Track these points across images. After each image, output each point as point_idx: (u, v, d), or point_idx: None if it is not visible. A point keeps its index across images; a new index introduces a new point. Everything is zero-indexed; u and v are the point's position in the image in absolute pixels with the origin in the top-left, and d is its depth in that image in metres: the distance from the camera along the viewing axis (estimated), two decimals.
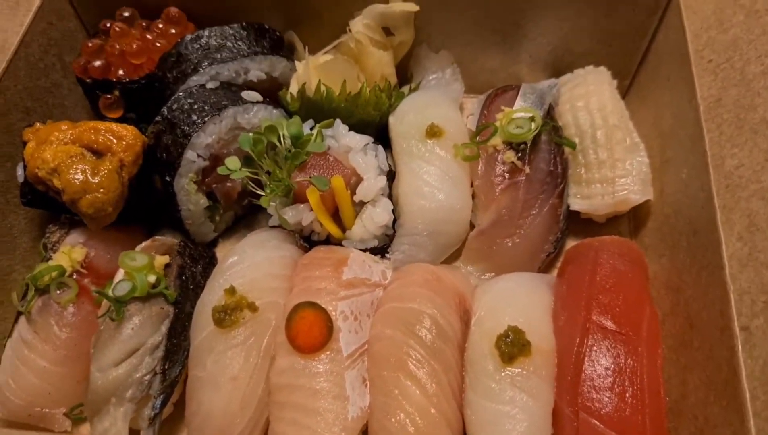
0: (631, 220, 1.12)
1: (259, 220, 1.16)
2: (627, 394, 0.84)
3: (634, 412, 0.84)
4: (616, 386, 0.85)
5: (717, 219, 0.83)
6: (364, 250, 1.02)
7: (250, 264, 0.96)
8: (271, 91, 1.12)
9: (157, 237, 1.05)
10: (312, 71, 1.06)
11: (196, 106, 1.00)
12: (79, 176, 0.95)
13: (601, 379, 0.85)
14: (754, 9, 0.91)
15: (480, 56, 1.22)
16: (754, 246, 0.78)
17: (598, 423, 0.83)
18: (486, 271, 1.07)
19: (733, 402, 0.74)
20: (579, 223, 1.11)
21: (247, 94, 1.05)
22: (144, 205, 1.05)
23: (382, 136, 1.13)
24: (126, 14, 1.15)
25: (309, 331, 0.87)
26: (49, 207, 1.03)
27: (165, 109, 1.02)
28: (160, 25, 1.14)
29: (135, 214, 1.04)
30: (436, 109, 1.09)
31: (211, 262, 1.05)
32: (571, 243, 1.10)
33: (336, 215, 1.02)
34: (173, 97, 1.03)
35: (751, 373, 0.72)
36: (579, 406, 0.85)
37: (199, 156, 1.00)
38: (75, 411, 0.95)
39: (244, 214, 1.16)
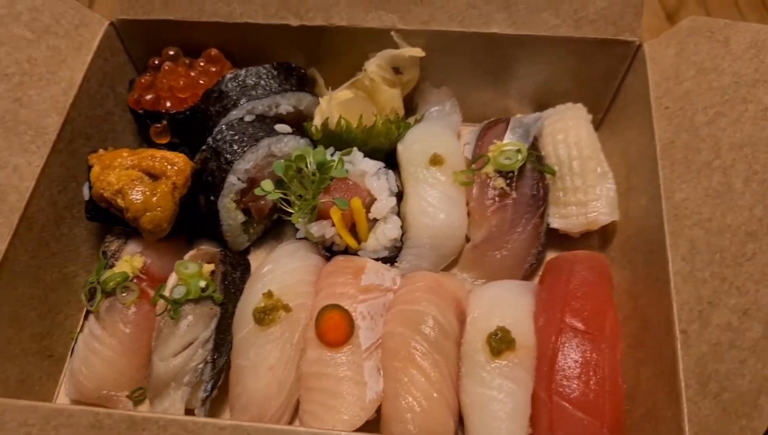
0: (600, 237, 1.25)
1: (285, 231, 1.32)
2: (591, 382, 0.99)
3: (596, 397, 0.98)
4: (582, 376, 1.00)
5: (666, 242, 0.98)
6: (377, 260, 1.17)
7: (283, 272, 1.12)
8: (297, 122, 1.26)
9: (200, 247, 1.22)
10: (334, 107, 1.23)
11: (236, 138, 1.16)
12: (140, 197, 1.11)
13: (571, 370, 1.00)
14: (703, 67, 1.06)
15: (475, 92, 1.35)
16: (694, 265, 0.93)
17: (567, 405, 0.98)
18: (478, 278, 1.21)
19: (673, 390, 0.89)
20: (557, 239, 1.24)
21: (280, 127, 1.20)
22: (189, 220, 1.21)
23: (390, 160, 1.27)
24: (171, 52, 1.30)
25: (335, 328, 1.03)
26: (110, 221, 1.19)
27: (210, 140, 1.17)
28: (202, 64, 1.28)
29: (180, 227, 1.20)
30: (438, 140, 1.24)
31: (246, 269, 1.22)
32: (550, 255, 1.23)
33: (352, 229, 1.17)
34: (217, 129, 1.18)
35: (687, 367, 0.87)
36: (553, 391, 0.99)
37: (239, 179, 1.16)
38: (135, 394, 1.11)
39: (272, 227, 1.31)
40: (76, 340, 1.15)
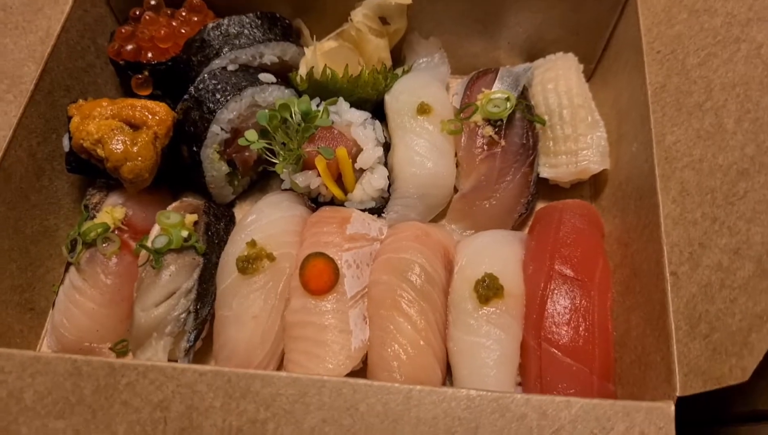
0: (591, 186, 1.24)
1: (271, 184, 1.30)
2: (581, 329, 0.98)
3: (586, 343, 0.98)
4: (572, 322, 0.99)
5: (656, 186, 0.96)
6: (364, 211, 1.15)
7: (267, 221, 1.11)
8: (282, 73, 1.23)
9: (184, 198, 1.20)
10: (319, 56, 1.20)
11: (219, 87, 1.14)
12: (120, 147, 1.09)
13: (560, 317, 0.99)
14: (695, 9, 1.04)
15: (464, 42, 1.33)
16: (684, 208, 0.91)
17: (556, 351, 0.97)
18: (467, 228, 1.20)
19: (662, 333, 0.87)
20: (547, 188, 1.23)
21: (264, 76, 1.18)
22: (171, 171, 1.19)
23: (378, 112, 1.25)
24: (153, 2, 1.26)
25: (319, 276, 1.01)
26: (91, 173, 1.17)
27: (192, 89, 1.15)
28: (184, 13, 1.25)
29: (163, 179, 1.18)
30: (426, 90, 1.22)
31: (231, 221, 1.20)
32: (540, 205, 1.22)
33: (339, 180, 1.15)
34: (199, 78, 1.16)
35: (677, 308, 0.85)
36: (542, 338, 0.98)
37: (222, 129, 1.14)
38: (118, 346, 1.09)
39: (258, 179, 1.29)
40: (58, 292, 1.13)
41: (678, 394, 0.81)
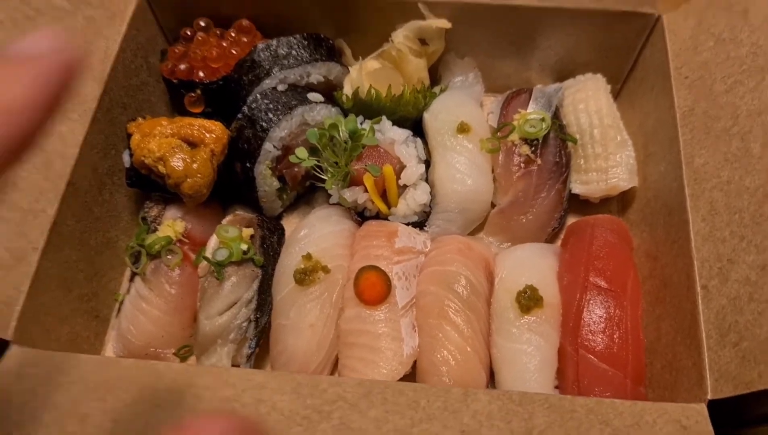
0: (619, 202, 1.32)
1: (316, 198, 1.37)
2: (615, 336, 1.06)
3: (620, 350, 1.05)
4: (606, 330, 1.06)
5: (687, 204, 1.03)
6: (407, 224, 1.22)
7: (319, 235, 1.18)
8: (327, 91, 1.30)
9: (237, 212, 1.27)
10: (364, 76, 1.28)
11: (271, 106, 1.21)
12: (181, 164, 1.16)
13: (596, 325, 1.07)
14: (722, 38, 1.11)
15: (498, 63, 1.40)
16: (714, 226, 0.99)
17: (593, 358, 1.04)
18: (504, 241, 1.28)
19: (693, 341, 0.95)
20: (578, 204, 1.31)
21: (312, 96, 1.25)
22: (222, 185, 1.26)
23: (417, 129, 1.32)
24: (203, 24, 1.34)
25: (372, 288, 1.09)
26: (150, 188, 1.24)
27: (245, 108, 1.22)
28: (233, 34, 1.32)
29: (214, 193, 1.25)
30: (463, 109, 1.29)
31: (282, 234, 1.27)
32: (571, 219, 1.30)
33: (383, 195, 1.23)
34: (251, 98, 1.23)
35: (707, 319, 0.93)
36: (579, 345, 1.06)
37: (274, 147, 1.21)
38: (181, 351, 1.17)
39: (304, 193, 1.37)
40: (122, 301, 1.20)
41: (709, 397, 0.89)
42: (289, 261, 1.15)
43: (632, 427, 0.86)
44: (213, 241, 1.17)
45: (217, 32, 1.35)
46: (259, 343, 1.14)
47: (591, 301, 1.09)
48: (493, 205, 1.29)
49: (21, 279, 1.01)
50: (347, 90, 1.30)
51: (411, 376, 1.10)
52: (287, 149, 1.24)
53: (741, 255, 0.95)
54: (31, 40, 0.46)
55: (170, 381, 0.91)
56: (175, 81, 1.32)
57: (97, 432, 0.86)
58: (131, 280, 1.20)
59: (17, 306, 0.99)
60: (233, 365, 1.11)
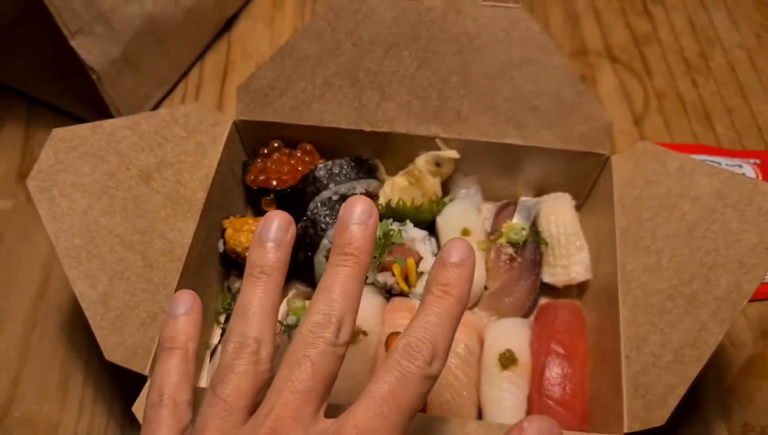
0: (577, 289, 1.61)
1: None
2: (567, 388, 1.32)
3: (570, 398, 1.29)
4: (562, 383, 1.33)
5: (618, 297, 1.29)
6: None
7: (360, 307, 1.62)
8: None
9: (298, 286, 1.72)
10: (395, 192, 1.73)
11: (327, 212, 1.62)
12: None
13: (555, 380, 1.35)
14: (649, 179, 1.43)
15: (493, 180, 1.75)
16: (635, 314, 1.26)
17: (552, 403, 1.30)
18: (492, 315, 1.60)
19: (618, 393, 1.22)
20: (548, 289, 1.61)
21: None
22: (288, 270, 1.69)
23: (431, 229, 1.71)
24: (276, 145, 1.78)
25: None
26: (235, 267, 1.69)
27: (309, 213, 1.61)
28: (299, 154, 1.76)
29: None
30: (466, 216, 1.68)
31: None
32: (543, 300, 1.64)
33: (406, 279, 1.62)
34: (312, 205, 1.61)
35: (628, 379, 1.20)
36: (542, 393, 1.29)
37: (329, 241, 1.64)
38: None
39: None
40: (213, 351, 1.64)
41: (625, 431, 1.21)
42: None
43: None
44: (283, 309, 1.62)
45: (287, 151, 1.80)
46: None
47: (551, 362, 1.35)
48: (486, 288, 1.70)
49: (155, 333, 1.38)
50: (382, 200, 1.73)
51: (421, 412, 1.51)
52: None
53: (650, 336, 1.24)
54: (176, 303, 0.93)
55: None
56: (255, 187, 1.75)
57: None
58: (221, 335, 1.64)
59: (152, 351, 1.35)
60: None
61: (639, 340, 1.28)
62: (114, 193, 1.51)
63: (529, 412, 1.36)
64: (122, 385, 1.65)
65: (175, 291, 1.45)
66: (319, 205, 1.66)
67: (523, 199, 1.78)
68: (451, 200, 1.78)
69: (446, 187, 1.85)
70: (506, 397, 1.36)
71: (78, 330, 1.71)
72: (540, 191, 1.81)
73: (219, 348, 1.61)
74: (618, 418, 1.23)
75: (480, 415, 1.46)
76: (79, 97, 1.74)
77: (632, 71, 2.17)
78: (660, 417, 1.16)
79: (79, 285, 1.37)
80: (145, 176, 1.56)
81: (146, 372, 1.34)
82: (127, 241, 1.46)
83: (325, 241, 1.64)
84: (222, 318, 1.64)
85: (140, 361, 1.36)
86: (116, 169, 1.54)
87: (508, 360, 1.45)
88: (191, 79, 1.91)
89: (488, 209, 1.81)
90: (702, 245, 1.26)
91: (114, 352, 1.33)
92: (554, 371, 1.39)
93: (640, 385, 1.22)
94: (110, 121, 1.55)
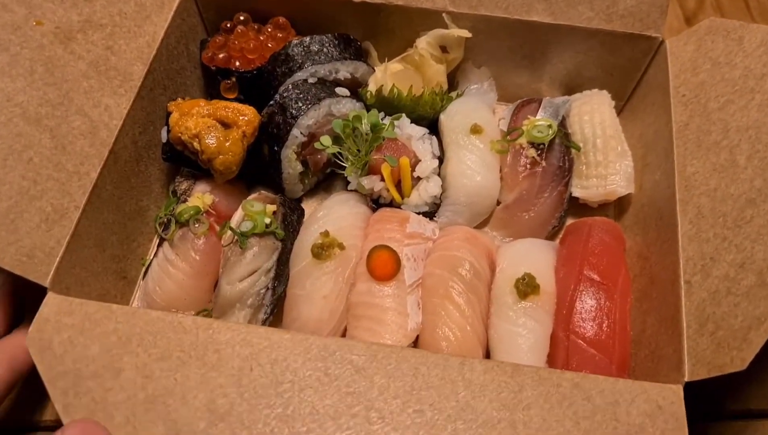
0: (616, 207, 1.40)
1: (334, 185, 1.47)
2: (604, 325, 1.13)
3: (607, 338, 1.13)
4: (596, 319, 1.14)
5: (676, 208, 1.12)
6: (418, 214, 1.31)
7: (337, 216, 1.27)
8: (352, 87, 1.40)
9: (261, 191, 1.38)
10: (388, 76, 1.38)
11: (301, 96, 1.31)
12: (214, 142, 1.25)
13: (587, 314, 1.15)
14: (718, 61, 1.21)
15: (511, 74, 1.50)
16: (699, 228, 1.07)
17: (582, 343, 1.12)
18: (506, 236, 1.37)
19: (675, 330, 1.02)
20: (577, 207, 1.40)
21: (339, 90, 1.35)
22: (251, 168, 1.35)
23: (432, 128, 1.42)
24: (242, 18, 1.45)
25: (384, 265, 1.17)
26: (182, 163, 1.34)
27: (278, 96, 1.32)
28: (270, 30, 1.44)
29: (241, 174, 1.35)
30: (477, 113, 1.39)
31: (302, 214, 1.36)
32: (570, 220, 1.39)
33: (398, 185, 1.32)
34: (283, 87, 1.33)
35: (689, 311, 1.00)
36: (570, 331, 1.14)
37: (301, 133, 1.31)
38: (201, 314, 1.26)
39: (323, 179, 1.47)
40: (149, 264, 1.30)
41: (686, 379, 0.96)
42: (308, 237, 1.24)
43: (611, 405, 0.92)
44: (238, 214, 1.27)
45: (255, 27, 1.46)
46: (274, 311, 1.23)
47: (584, 292, 1.18)
48: (498, 203, 1.38)
49: (62, 233, 1.09)
50: (372, 87, 1.40)
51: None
52: (312, 136, 1.34)
53: (722, 254, 1.03)
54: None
55: (194, 337, 0.97)
56: (213, 68, 1.42)
57: (131, 388, 0.92)
58: (159, 246, 1.30)
59: (56, 257, 1.06)
60: None
61: (706, 259, 1.07)
62: (17, 52, 1.20)
63: (553, 356, 1.19)
64: None
65: (95, 184, 1.17)
66: (290, 87, 1.33)
67: (548, 98, 1.42)
68: (458, 96, 1.43)
69: (453, 81, 1.55)
70: (522, 333, 1.17)
71: None
72: (570, 90, 1.53)
73: (155, 261, 1.26)
74: (674, 363, 1.02)
75: (488, 356, 1.21)
76: None
77: None
78: (739, 360, 0.93)
79: None
80: (63, 36, 1.25)
81: (46, 282, 1.05)
82: (31, 113, 1.16)
83: (295, 132, 1.30)
84: (165, 225, 1.28)
85: (38, 267, 1.06)
86: (23, 21, 1.23)
87: (527, 286, 1.19)
88: None
89: (504, 110, 1.50)
90: None
91: (3, 252, 1.03)
92: (587, 303, 1.18)
93: (707, 318, 1.01)
94: None
